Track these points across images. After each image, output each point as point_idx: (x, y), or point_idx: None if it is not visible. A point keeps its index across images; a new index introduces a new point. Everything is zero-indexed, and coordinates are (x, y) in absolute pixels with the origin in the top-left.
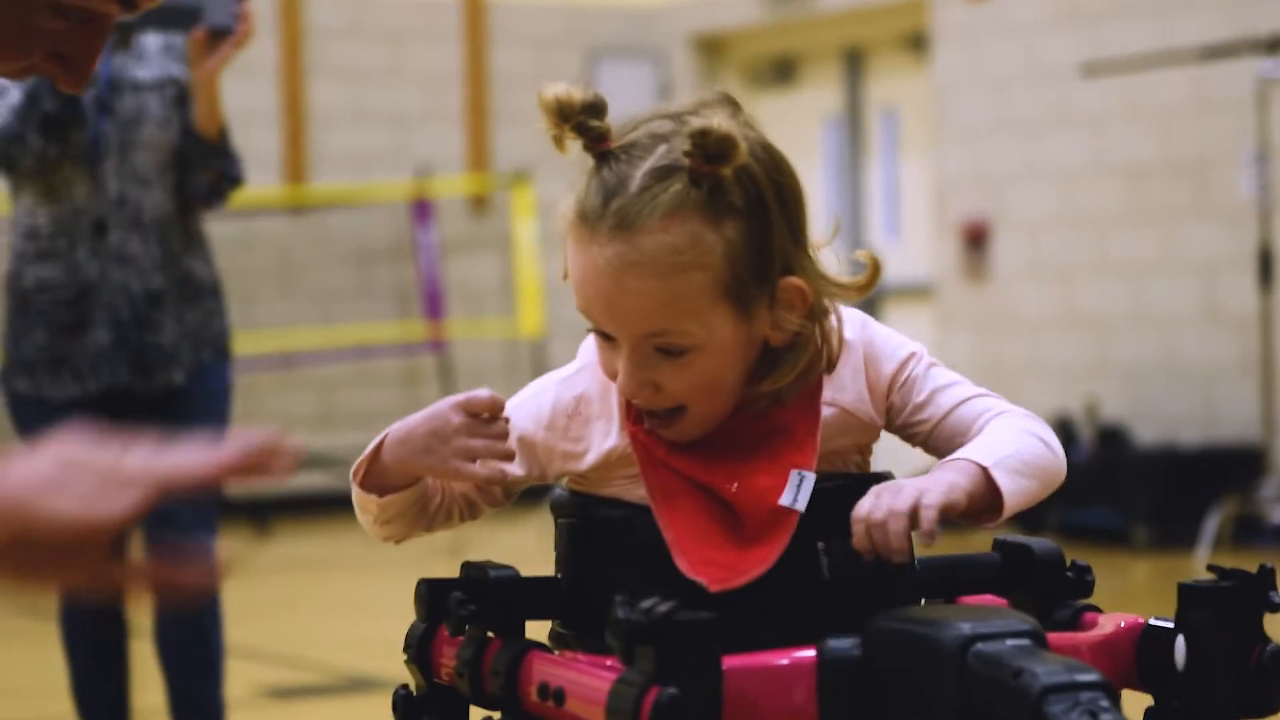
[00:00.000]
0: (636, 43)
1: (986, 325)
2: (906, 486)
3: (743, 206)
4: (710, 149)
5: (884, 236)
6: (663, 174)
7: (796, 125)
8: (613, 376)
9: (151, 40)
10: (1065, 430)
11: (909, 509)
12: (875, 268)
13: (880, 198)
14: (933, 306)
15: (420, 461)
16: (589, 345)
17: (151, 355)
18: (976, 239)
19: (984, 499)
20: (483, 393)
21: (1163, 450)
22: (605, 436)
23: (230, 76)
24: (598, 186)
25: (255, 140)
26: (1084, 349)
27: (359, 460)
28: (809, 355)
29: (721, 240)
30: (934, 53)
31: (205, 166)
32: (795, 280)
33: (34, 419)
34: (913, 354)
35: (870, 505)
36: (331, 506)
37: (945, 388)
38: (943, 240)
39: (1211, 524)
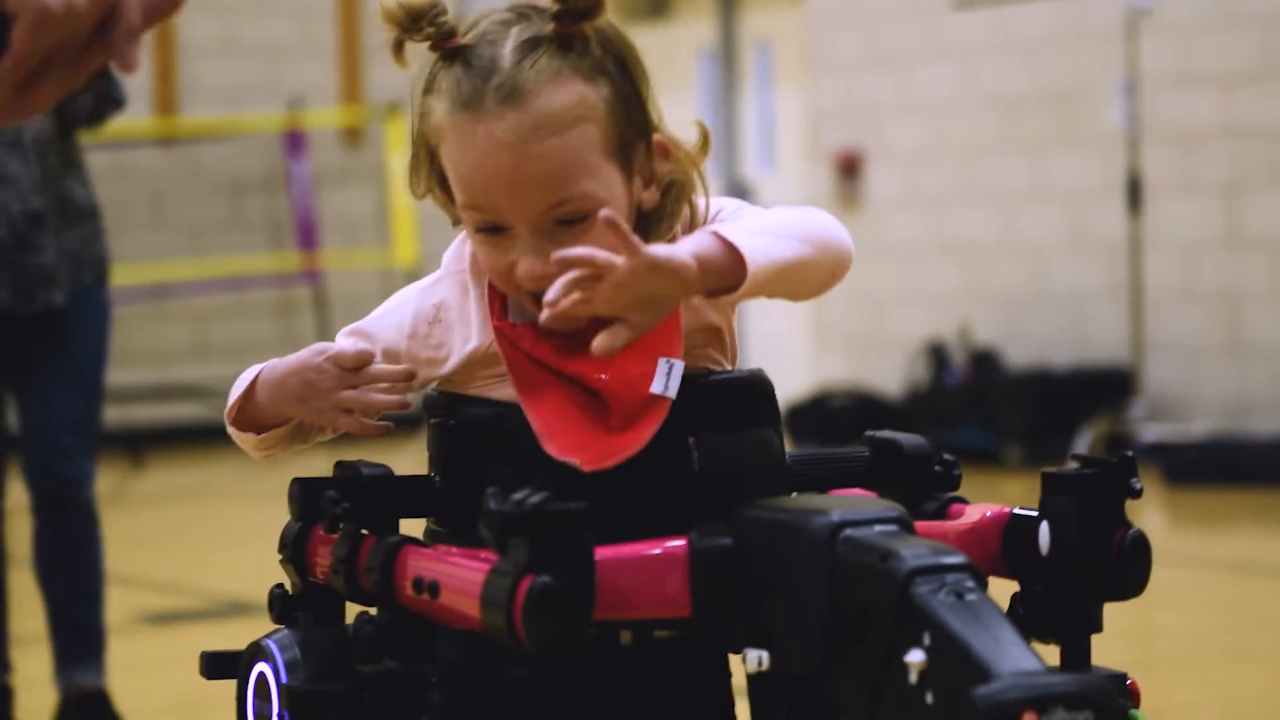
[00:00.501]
0: None
1: (860, 254)
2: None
3: (610, 68)
4: (578, 9)
5: (759, 168)
6: (531, 45)
7: (671, 59)
8: (503, 275)
9: None
10: (938, 355)
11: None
12: (705, 133)
13: (755, 130)
14: None
15: (294, 410)
16: (451, 254)
17: (31, 275)
18: (850, 169)
19: (724, 262)
20: (348, 347)
21: (1034, 373)
22: (466, 340)
23: None
24: (467, 74)
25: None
26: (956, 276)
27: (231, 402)
28: (678, 224)
29: (601, 98)
30: None
31: (88, 87)
32: (660, 136)
33: None
34: (720, 209)
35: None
36: (206, 437)
37: (741, 209)
38: (817, 171)
39: (1082, 443)
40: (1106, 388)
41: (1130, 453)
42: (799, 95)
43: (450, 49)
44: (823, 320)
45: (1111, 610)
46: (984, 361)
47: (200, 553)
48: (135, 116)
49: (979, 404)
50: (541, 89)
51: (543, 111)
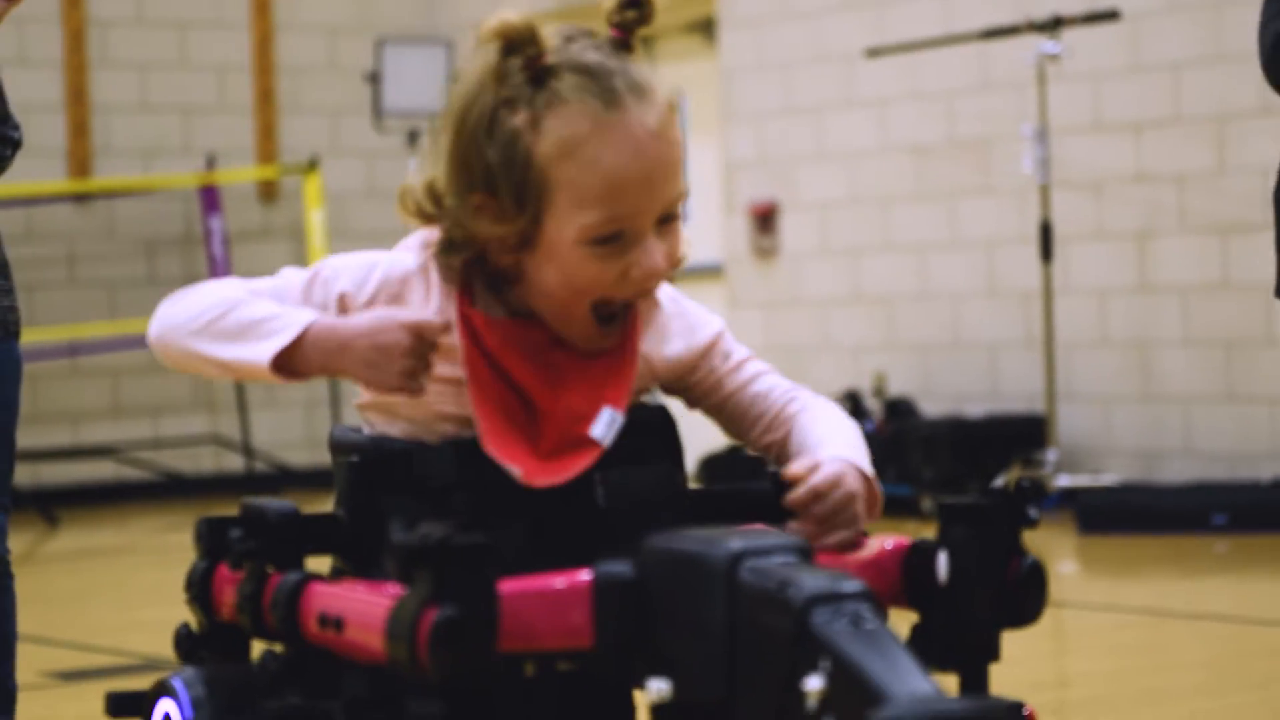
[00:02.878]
0: (426, 30)
1: (776, 305)
2: (847, 474)
3: None
4: (644, 13)
5: (688, 244)
6: (614, 49)
7: None
8: (601, 286)
9: None
10: (854, 405)
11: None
12: None
13: None
14: (723, 287)
15: (361, 373)
16: (410, 241)
17: None
18: (765, 220)
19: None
20: (435, 321)
21: (949, 422)
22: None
23: (12, 66)
24: (590, 83)
25: (39, 132)
26: (871, 326)
27: (274, 348)
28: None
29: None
30: (721, 37)
31: None
32: None
33: None
34: (721, 328)
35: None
36: (121, 496)
37: (750, 358)
38: (732, 222)
39: None
40: (1020, 436)
41: (1027, 483)
42: (713, 146)
43: (542, 68)
44: None
45: (1025, 656)
46: (899, 411)
47: (114, 611)
48: (49, 175)
49: (895, 454)
50: (653, 83)
51: (664, 101)
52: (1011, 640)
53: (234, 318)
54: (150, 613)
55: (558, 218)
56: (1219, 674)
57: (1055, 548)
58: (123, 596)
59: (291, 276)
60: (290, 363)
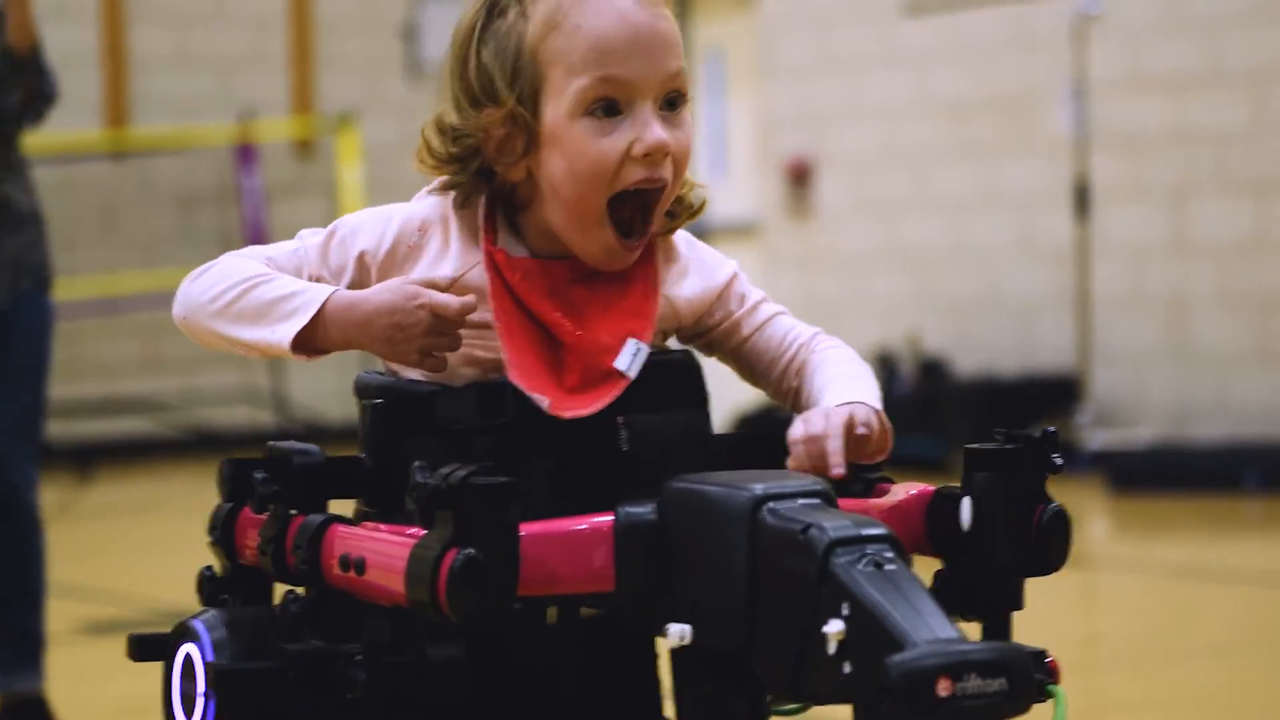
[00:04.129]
0: None
1: (811, 262)
2: (833, 411)
3: None
4: None
5: (711, 175)
6: None
7: None
8: (609, 168)
9: None
10: (887, 364)
11: (843, 424)
12: None
13: (707, 137)
14: (758, 244)
15: (379, 349)
16: (423, 193)
17: None
18: (801, 177)
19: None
20: (453, 301)
21: (982, 380)
22: (437, 263)
23: (51, 20)
24: None
25: (76, 84)
26: (906, 283)
27: (293, 329)
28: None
29: None
30: None
31: (19, 83)
32: None
33: None
34: (736, 269)
35: (804, 427)
36: (154, 451)
37: (764, 300)
38: (768, 179)
39: None
40: (1053, 394)
41: (1053, 429)
42: (751, 103)
43: None
44: None
45: (1053, 614)
46: (932, 370)
47: (145, 564)
48: (85, 129)
49: (927, 413)
50: None
51: None
52: (1040, 599)
53: (253, 298)
54: (182, 567)
55: (554, 97)
56: (1245, 636)
57: (1086, 507)
58: (155, 550)
59: (309, 240)
60: (312, 340)
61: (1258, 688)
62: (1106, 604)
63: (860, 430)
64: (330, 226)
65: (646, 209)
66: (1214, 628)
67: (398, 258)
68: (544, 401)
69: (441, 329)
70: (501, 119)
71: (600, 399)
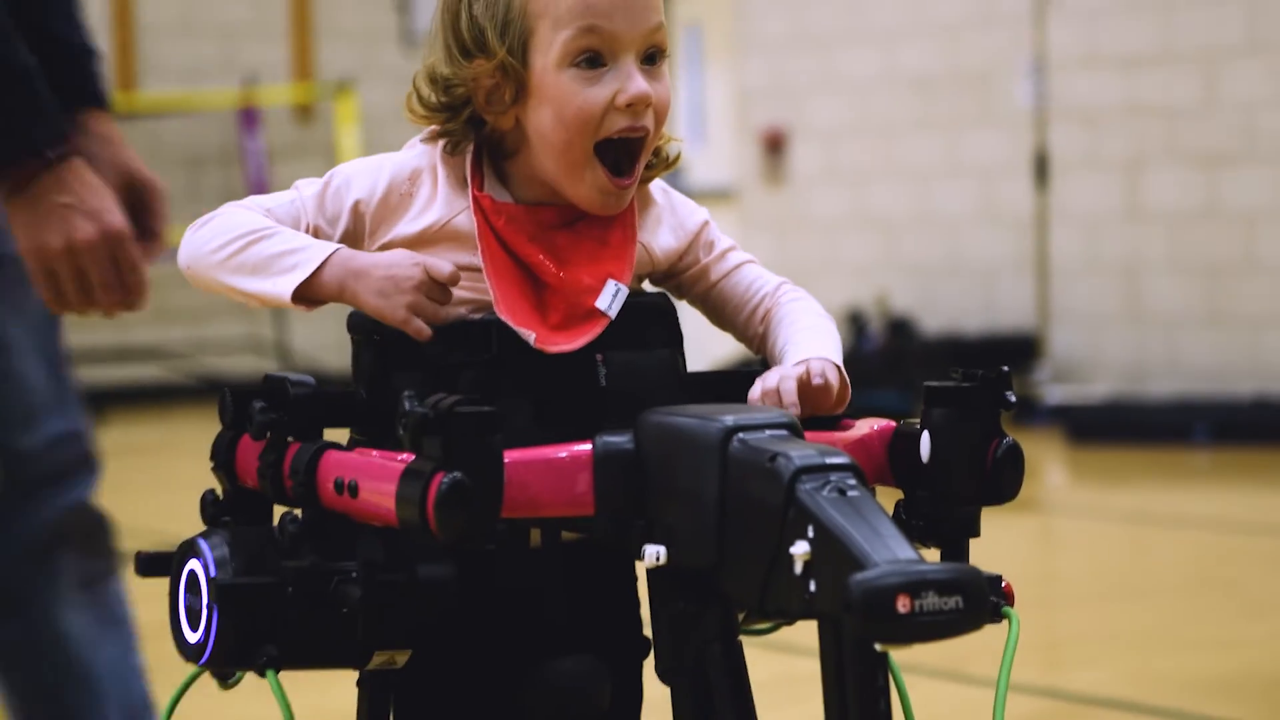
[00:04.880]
0: None
1: (785, 226)
2: (789, 371)
3: None
4: None
5: (690, 143)
6: None
7: None
8: (594, 117)
9: None
10: (858, 322)
11: (798, 375)
12: None
13: (686, 107)
14: (735, 209)
15: (369, 300)
16: (414, 142)
17: None
18: (775, 146)
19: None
20: (445, 266)
21: (946, 338)
22: (424, 212)
23: None
24: None
25: None
26: (874, 247)
27: (293, 282)
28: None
29: None
30: None
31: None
32: None
33: None
34: (707, 218)
35: (762, 383)
36: (164, 396)
37: (733, 248)
38: (744, 147)
39: None
40: (1014, 352)
41: (1006, 368)
42: (727, 75)
43: None
44: None
45: (1015, 555)
46: (900, 328)
47: (155, 500)
48: None
49: (895, 368)
50: None
51: None
52: (1003, 540)
53: (255, 251)
54: (189, 502)
55: (541, 49)
56: (1192, 577)
57: (1045, 458)
58: (164, 488)
59: (305, 191)
60: (309, 291)
61: (1203, 624)
62: (1064, 546)
63: (816, 380)
64: (325, 177)
65: (631, 155)
66: (1163, 569)
67: (390, 205)
68: (530, 336)
69: (431, 290)
70: (492, 69)
71: (582, 336)
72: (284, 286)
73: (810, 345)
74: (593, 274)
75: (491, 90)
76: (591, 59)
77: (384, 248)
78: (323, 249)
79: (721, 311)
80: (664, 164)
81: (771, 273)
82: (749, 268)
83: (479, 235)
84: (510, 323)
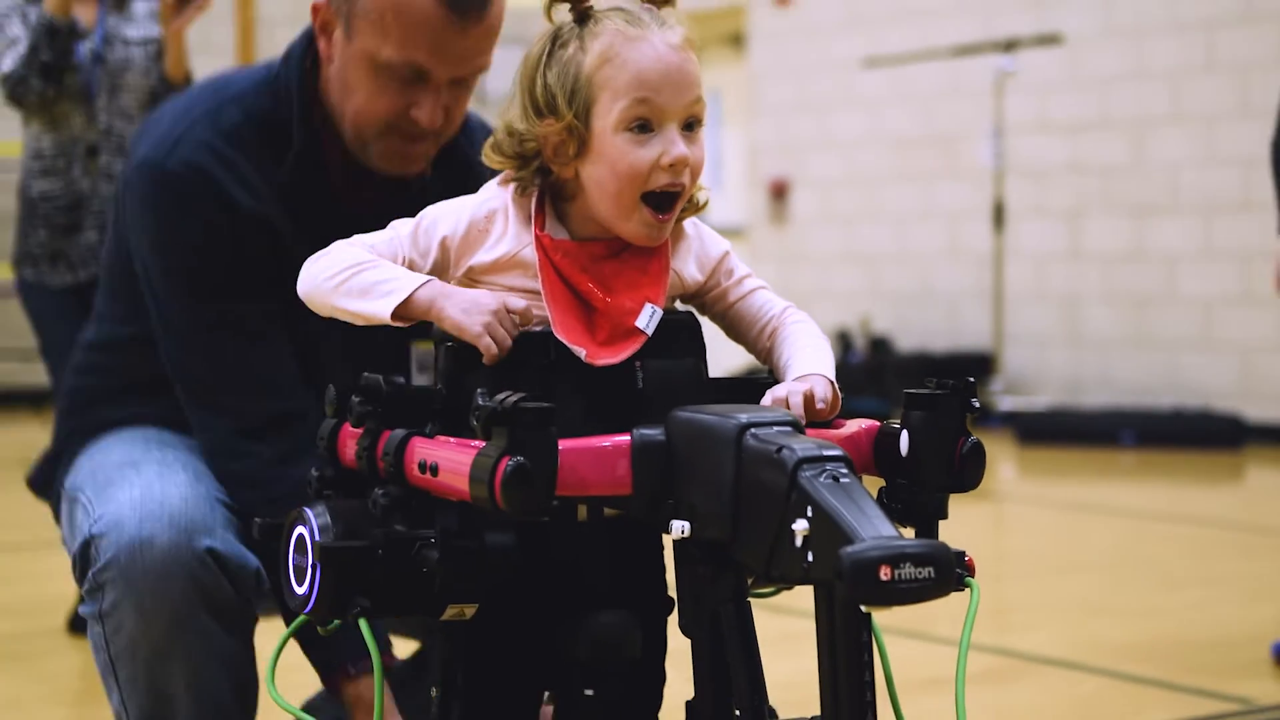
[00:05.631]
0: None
1: (786, 259)
2: (794, 389)
3: None
4: None
5: (709, 190)
6: (647, 6)
7: None
8: (641, 174)
9: (141, 5)
10: (844, 340)
11: (803, 391)
12: None
13: (707, 161)
14: (746, 244)
15: (453, 315)
16: (494, 184)
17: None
18: (780, 193)
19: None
20: (520, 301)
21: (918, 355)
22: (498, 243)
23: (199, 54)
24: (622, 15)
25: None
26: (860, 278)
27: (392, 304)
28: (702, 159)
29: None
30: (749, 49)
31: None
32: None
33: (37, 301)
34: (728, 248)
35: (772, 394)
36: None
37: (749, 275)
38: (754, 194)
39: None
40: (974, 367)
41: (972, 380)
42: (741, 134)
43: (585, 11)
44: None
45: (972, 537)
46: (879, 346)
47: None
48: None
49: (875, 378)
50: (675, 22)
51: (686, 35)
52: (962, 524)
53: (360, 279)
54: None
55: (601, 115)
56: (1119, 556)
57: (998, 455)
58: None
59: (401, 229)
60: (404, 311)
61: (1129, 595)
62: (1012, 529)
63: (820, 405)
64: (417, 217)
65: (671, 202)
66: (1096, 549)
67: (470, 240)
68: (581, 352)
69: (504, 318)
70: (560, 129)
71: (624, 350)
72: (384, 307)
73: (808, 362)
74: (633, 299)
75: (558, 145)
76: (642, 125)
77: (466, 273)
78: (415, 278)
79: (736, 328)
80: (694, 208)
81: (780, 298)
82: (761, 293)
83: (539, 268)
84: (566, 341)
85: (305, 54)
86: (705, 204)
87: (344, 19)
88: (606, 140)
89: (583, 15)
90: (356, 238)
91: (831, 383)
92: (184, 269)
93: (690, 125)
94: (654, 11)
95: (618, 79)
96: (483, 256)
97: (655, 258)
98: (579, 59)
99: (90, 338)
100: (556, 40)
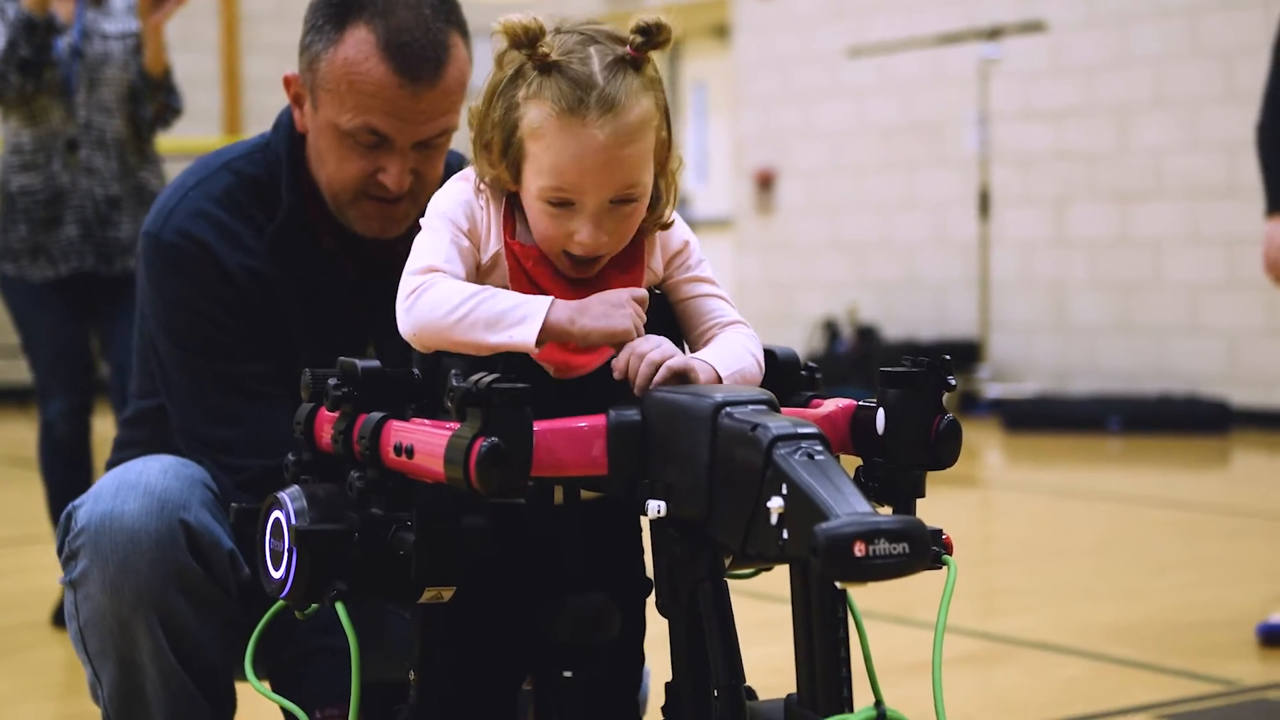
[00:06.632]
0: None
1: (773, 249)
2: (665, 344)
3: (657, 79)
4: (658, 38)
5: (695, 182)
6: (617, 66)
7: None
8: (557, 240)
9: (119, 0)
10: (832, 329)
11: (659, 359)
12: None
13: (693, 151)
14: (731, 236)
15: (596, 325)
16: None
17: (111, 246)
18: (765, 183)
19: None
20: (640, 290)
21: (905, 344)
22: (487, 242)
23: (179, 49)
24: (570, 86)
25: (199, 101)
26: (846, 267)
27: (534, 328)
28: (675, 187)
29: (657, 107)
30: (734, 40)
31: (152, 98)
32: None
33: (18, 296)
34: (686, 240)
35: (641, 345)
36: None
37: (709, 280)
38: (739, 184)
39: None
40: (960, 355)
41: (947, 356)
42: (726, 124)
43: (546, 62)
44: (742, 302)
45: (959, 521)
46: (867, 335)
47: None
48: (208, 136)
49: (862, 367)
50: (631, 104)
51: (629, 122)
52: (949, 510)
53: (483, 311)
54: None
55: (528, 175)
56: (1106, 541)
57: (985, 442)
58: None
59: (443, 242)
60: (544, 335)
61: (1115, 579)
62: (1000, 515)
63: (664, 368)
64: (432, 222)
65: (590, 263)
66: (1083, 534)
67: (476, 235)
68: (549, 368)
69: (637, 308)
70: (492, 173)
71: (597, 359)
72: (527, 334)
73: (710, 352)
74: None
75: (499, 179)
76: (559, 202)
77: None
78: (539, 301)
79: (685, 322)
80: (658, 225)
81: (737, 312)
82: (713, 301)
83: (509, 276)
84: (534, 356)
85: (293, 122)
86: (670, 224)
87: (310, 90)
88: (530, 198)
89: (542, 65)
90: (436, 272)
91: (715, 371)
92: (183, 333)
93: (622, 201)
94: (611, 83)
95: (542, 158)
96: (483, 255)
97: (626, 258)
98: (518, 115)
99: (125, 413)
100: (518, 72)
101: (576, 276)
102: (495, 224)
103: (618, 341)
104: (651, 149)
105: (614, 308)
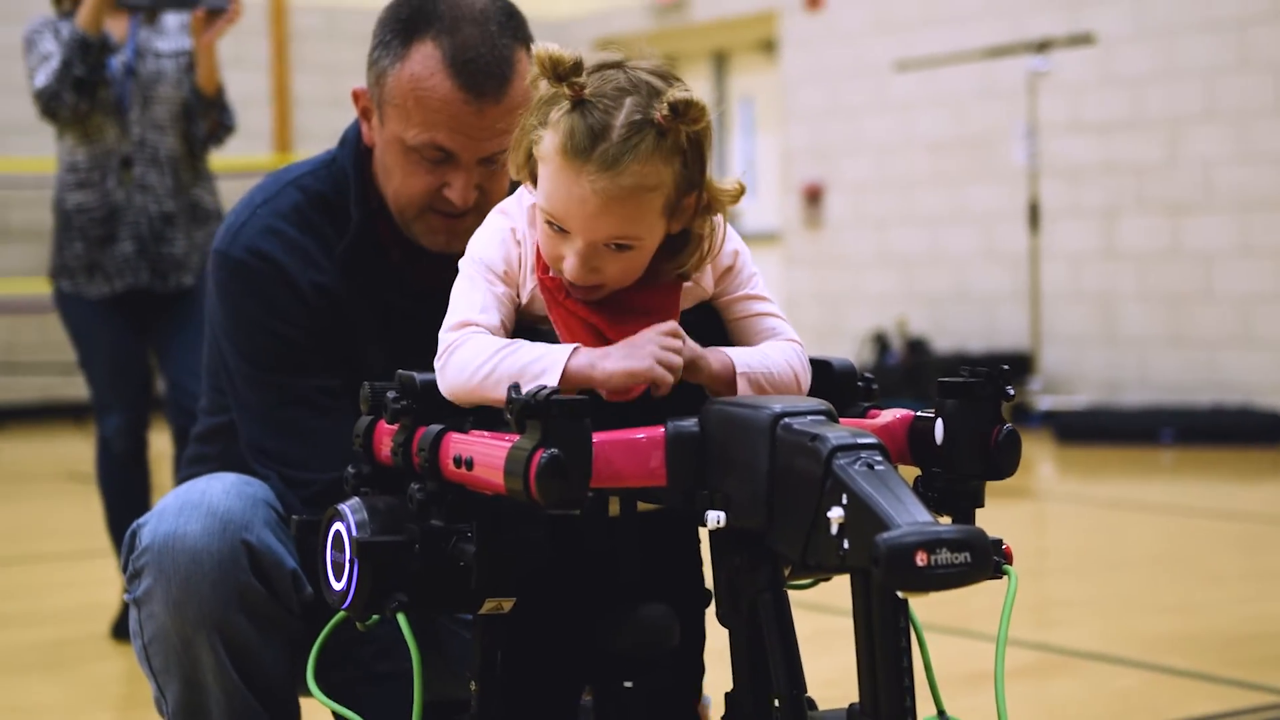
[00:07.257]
0: None
1: (821, 263)
2: (688, 341)
3: (685, 146)
4: (687, 116)
5: (744, 197)
6: (638, 127)
7: None
8: (553, 259)
9: (171, 19)
10: (881, 342)
11: (676, 365)
12: (741, 188)
13: (740, 166)
14: (780, 250)
15: (618, 366)
16: (517, 199)
17: (166, 262)
18: (814, 197)
19: (725, 386)
20: (670, 323)
21: (956, 356)
22: (527, 281)
23: (231, 68)
24: (584, 131)
25: (251, 119)
26: (895, 280)
27: (553, 376)
28: (701, 245)
29: (672, 174)
30: (781, 54)
31: (205, 116)
32: (706, 192)
33: (75, 313)
34: (735, 251)
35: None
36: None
37: (756, 295)
38: (787, 198)
39: None
40: (1011, 368)
41: (1006, 367)
42: (774, 139)
43: (578, 98)
44: (793, 315)
45: (1013, 534)
46: (917, 347)
47: None
48: (259, 154)
49: (913, 380)
50: (632, 168)
51: (626, 185)
52: (1003, 521)
53: (506, 367)
54: None
55: (538, 189)
56: (1159, 552)
57: (1037, 454)
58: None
59: (478, 292)
60: (565, 385)
61: (1170, 590)
62: (1054, 527)
63: (699, 371)
64: (468, 266)
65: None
66: (1135, 546)
67: (513, 272)
68: (600, 391)
69: (663, 342)
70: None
71: (637, 389)
72: (550, 384)
73: (737, 349)
74: (644, 327)
75: (524, 178)
76: (558, 228)
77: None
78: (560, 349)
79: (737, 340)
80: (701, 259)
81: (791, 329)
82: (770, 320)
83: (548, 307)
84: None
85: (360, 137)
86: (714, 251)
87: (377, 105)
88: (538, 209)
89: (575, 98)
90: (460, 316)
91: (730, 362)
92: (252, 349)
93: (619, 246)
94: (623, 140)
95: (544, 182)
96: (523, 291)
97: (665, 284)
98: (541, 133)
99: (197, 429)
100: (557, 96)
101: (584, 298)
102: (530, 259)
103: (640, 381)
104: (654, 209)
105: (635, 348)
